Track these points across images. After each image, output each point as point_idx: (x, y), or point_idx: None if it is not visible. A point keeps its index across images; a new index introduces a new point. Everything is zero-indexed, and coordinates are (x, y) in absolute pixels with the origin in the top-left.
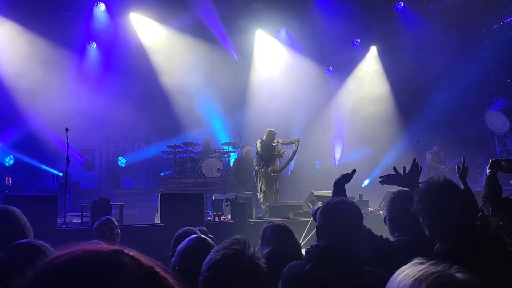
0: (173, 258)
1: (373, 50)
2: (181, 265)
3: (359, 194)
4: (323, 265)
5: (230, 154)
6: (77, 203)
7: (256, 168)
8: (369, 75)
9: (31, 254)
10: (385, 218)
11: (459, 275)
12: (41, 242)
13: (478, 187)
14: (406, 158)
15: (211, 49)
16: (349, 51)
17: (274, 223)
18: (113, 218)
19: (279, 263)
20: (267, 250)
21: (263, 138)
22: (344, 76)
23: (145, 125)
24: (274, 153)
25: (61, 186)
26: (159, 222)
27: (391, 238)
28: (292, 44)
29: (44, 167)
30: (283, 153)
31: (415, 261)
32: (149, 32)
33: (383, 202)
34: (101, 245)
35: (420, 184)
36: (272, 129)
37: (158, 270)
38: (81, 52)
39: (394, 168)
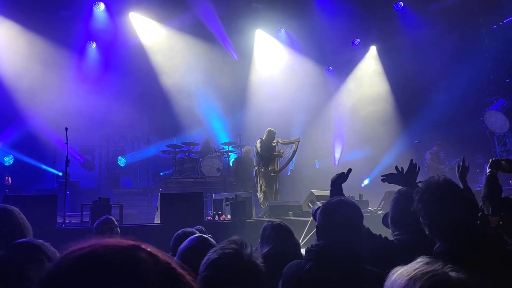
0: (175, 258)
1: (372, 50)
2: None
3: (359, 194)
4: (323, 264)
5: (229, 153)
6: (76, 202)
7: (256, 168)
8: (369, 75)
9: (30, 253)
10: (383, 218)
11: (453, 274)
12: (41, 241)
13: (477, 187)
14: (405, 158)
15: (210, 49)
16: (349, 51)
17: (274, 222)
18: (113, 218)
19: (278, 262)
20: (266, 249)
21: (263, 138)
22: (344, 76)
23: (145, 125)
24: (274, 153)
25: (60, 185)
26: (159, 221)
27: (391, 238)
28: (292, 44)
29: (43, 166)
30: (283, 153)
31: (419, 259)
32: (148, 32)
33: (382, 202)
34: (119, 240)
35: (420, 184)
36: (272, 129)
37: (175, 266)
38: (81, 51)
39: (396, 168)
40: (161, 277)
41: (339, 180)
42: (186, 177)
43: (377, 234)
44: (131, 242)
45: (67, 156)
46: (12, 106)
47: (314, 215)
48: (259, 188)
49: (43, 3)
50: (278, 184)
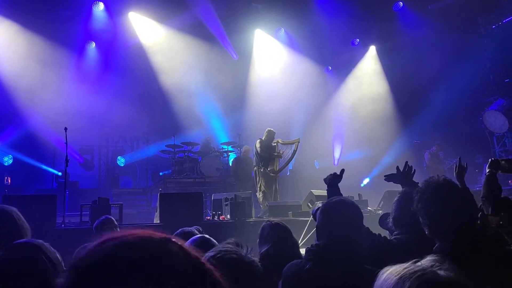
0: None
1: (372, 50)
2: None
3: (358, 194)
4: (323, 264)
5: (229, 153)
6: (76, 202)
7: (255, 168)
8: (368, 74)
9: (30, 254)
10: (380, 219)
11: (441, 272)
12: (41, 241)
13: (477, 187)
14: (405, 157)
15: (210, 48)
16: (348, 50)
17: (272, 222)
18: (112, 218)
19: (277, 262)
20: (265, 249)
21: (263, 138)
22: (343, 76)
23: (144, 125)
24: (273, 153)
25: (60, 185)
26: (158, 221)
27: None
28: (291, 44)
29: (43, 166)
30: (282, 153)
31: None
32: (148, 31)
33: (382, 202)
34: (151, 232)
35: (419, 184)
36: (272, 129)
37: (204, 262)
38: (80, 51)
39: (397, 168)
40: (191, 271)
41: (335, 180)
42: (186, 177)
43: (377, 233)
44: (162, 235)
45: (66, 156)
46: (12, 106)
47: (314, 215)
48: (258, 188)
49: (42, 3)
50: (278, 184)
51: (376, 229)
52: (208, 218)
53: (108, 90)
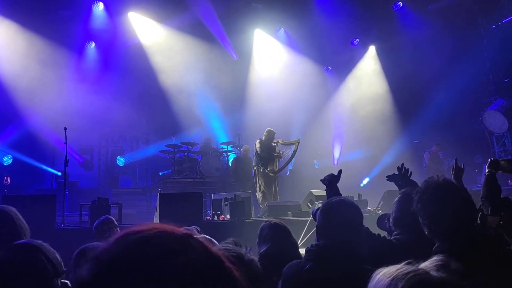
0: None
1: (371, 50)
2: None
3: (358, 194)
4: (323, 264)
5: (229, 153)
6: (75, 202)
7: (255, 168)
8: (368, 74)
9: (29, 254)
10: (378, 220)
11: (433, 273)
12: (40, 241)
13: (476, 187)
14: (405, 157)
15: (210, 48)
16: (348, 50)
17: (271, 222)
18: (112, 218)
19: (276, 262)
20: (264, 249)
21: (262, 138)
22: (343, 76)
23: (144, 125)
24: (273, 154)
25: (59, 185)
26: (158, 221)
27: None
28: (291, 44)
29: (43, 166)
30: (282, 153)
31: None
32: (148, 31)
33: (381, 202)
34: (173, 227)
35: (419, 184)
36: (271, 129)
37: (224, 260)
38: (80, 51)
39: (398, 168)
40: (211, 268)
41: (334, 181)
42: (185, 177)
43: (377, 233)
44: (184, 231)
45: (66, 156)
46: (11, 106)
47: (314, 215)
48: (258, 188)
49: (42, 3)
50: (277, 184)
51: (376, 229)
52: (208, 218)
53: (108, 90)
